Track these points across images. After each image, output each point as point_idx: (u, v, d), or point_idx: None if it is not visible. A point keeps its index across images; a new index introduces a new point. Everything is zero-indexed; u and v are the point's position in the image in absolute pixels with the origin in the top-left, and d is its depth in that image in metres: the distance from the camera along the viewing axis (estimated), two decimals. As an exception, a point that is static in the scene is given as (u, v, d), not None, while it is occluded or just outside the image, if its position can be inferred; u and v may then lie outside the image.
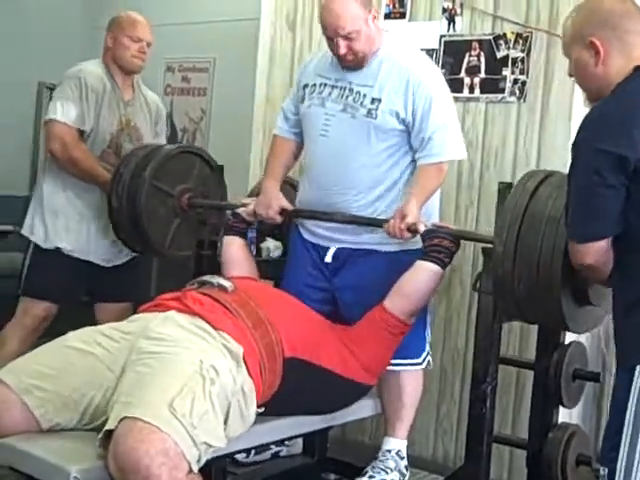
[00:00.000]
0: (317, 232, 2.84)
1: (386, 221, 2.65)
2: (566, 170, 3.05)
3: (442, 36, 3.41)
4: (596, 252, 1.86)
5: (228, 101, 5.00)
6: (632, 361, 1.82)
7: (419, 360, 2.79)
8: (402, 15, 3.51)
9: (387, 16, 3.48)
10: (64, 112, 3.28)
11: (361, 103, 2.71)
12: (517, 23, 3.24)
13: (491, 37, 3.30)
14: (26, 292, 3.41)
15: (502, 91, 3.27)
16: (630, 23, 1.93)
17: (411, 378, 2.78)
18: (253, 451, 2.80)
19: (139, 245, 3.29)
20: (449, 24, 3.40)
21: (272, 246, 3.25)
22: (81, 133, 3.34)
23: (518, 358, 3.14)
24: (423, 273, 2.60)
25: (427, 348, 2.82)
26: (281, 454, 2.89)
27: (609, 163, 1.78)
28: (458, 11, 3.38)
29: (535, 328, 2.83)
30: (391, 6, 3.52)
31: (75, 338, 2.22)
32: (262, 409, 2.22)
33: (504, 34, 3.27)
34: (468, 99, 3.35)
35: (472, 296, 3.17)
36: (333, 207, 2.77)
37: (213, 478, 2.24)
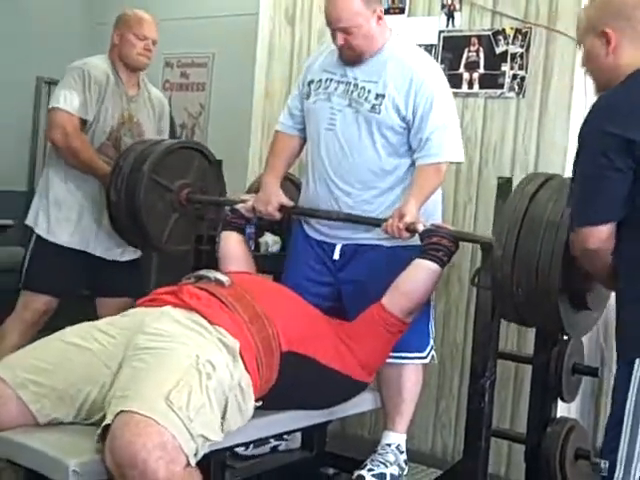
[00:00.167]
0: (321, 230, 2.86)
1: (384, 220, 2.66)
2: (565, 167, 3.11)
3: (441, 31, 3.41)
4: (599, 237, 1.85)
5: (227, 96, 5.00)
6: (633, 354, 1.83)
7: (424, 354, 2.80)
8: (401, 10, 3.52)
9: (386, 11, 3.42)
10: (67, 101, 3.29)
11: (365, 98, 2.74)
12: (516, 18, 3.24)
13: (490, 32, 3.30)
14: (26, 286, 3.42)
15: (501, 87, 3.28)
16: None
17: (411, 373, 2.79)
18: (252, 444, 2.80)
19: (136, 239, 3.29)
20: (448, 19, 3.40)
21: (271, 241, 3.26)
22: (83, 123, 3.34)
23: (516, 353, 3.14)
24: (421, 271, 2.59)
25: (431, 342, 2.83)
26: (280, 448, 2.89)
27: (616, 146, 1.79)
28: (457, 6, 3.38)
29: (533, 323, 2.84)
30: (390, 1, 3.52)
31: (72, 333, 2.21)
32: (260, 403, 2.22)
33: (503, 29, 3.28)
34: (467, 95, 3.35)
35: (470, 291, 3.18)
36: (337, 201, 2.79)
37: (212, 472, 2.24)
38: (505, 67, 3.27)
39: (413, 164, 2.76)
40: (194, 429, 1.90)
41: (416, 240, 2.65)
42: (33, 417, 2.06)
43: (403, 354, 2.71)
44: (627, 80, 1.89)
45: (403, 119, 2.72)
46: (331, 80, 2.81)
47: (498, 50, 3.28)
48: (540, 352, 2.75)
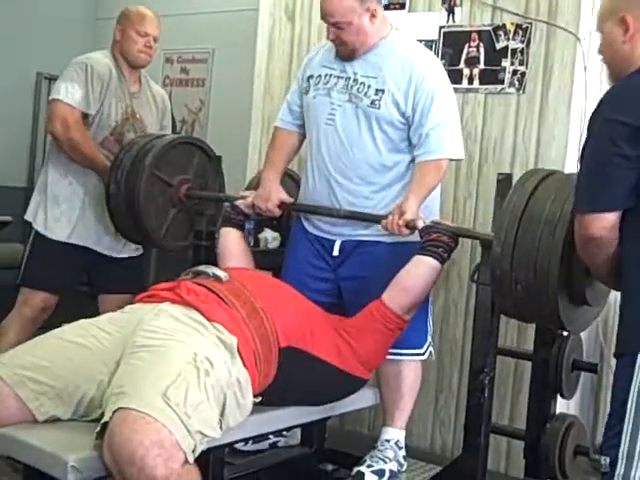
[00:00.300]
0: (320, 226, 2.86)
1: (384, 217, 2.65)
2: (565, 163, 3.11)
3: (441, 27, 3.40)
4: (603, 225, 1.83)
5: (227, 92, 5.00)
6: (635, 347, 1.82)
7: (421, 350, 2.80)
8: (402, 6, 3.51)
9: (386, 7, 3.44)
10: (69, 93, 3.27)
11: (365, 93, 2.73)
12: (517, 14, 3.24)
13: (490, 28, 3.30)
14: (25, 282, 3.42)
15: (501, 82, 3.27)
16: None
17: (410, 369, 2.79)
18: (251, 440, 2.80)
19: (134, 234, 3.25)
20: (448, 15, 3.40)
21: (270, 237, 3.26)
22: (84, 117, 3.33)
23: (516, 349, 3.14)
24: (422, 267, 2.59)
25: (429, 339, 2.83)
26: (279, 444, 2.89)
27: (626, 134, 1.78)
28: (457, 2, 3.37)
29: (533, 319, 2.84)
30: (390, -3, 3.51)
31: (70, 331, 2.21)
32: (259, 399, 2.22)
33: (503, 25, 3.27)
34: (467, 90, 3.34)
35: (470, 287, 3.17)
36: (336, 197, 2.78)
37: (211, 468, 2.24)
38: (505, 63, 3.26)
39: (413, 160, 2.75)
40: (191, 425, 1.89)
41: (416, 236, 2.65)
42: (31, 414, 2.05)
43: (401, 351, 2.71)
44: None
45: (403, 115, 2.71)
46: (331, 75, 2.81)
47: (498, 46, 3.27)
48: (540, 348, 2.75)
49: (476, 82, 3.34)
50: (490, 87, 3.30)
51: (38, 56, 5.32)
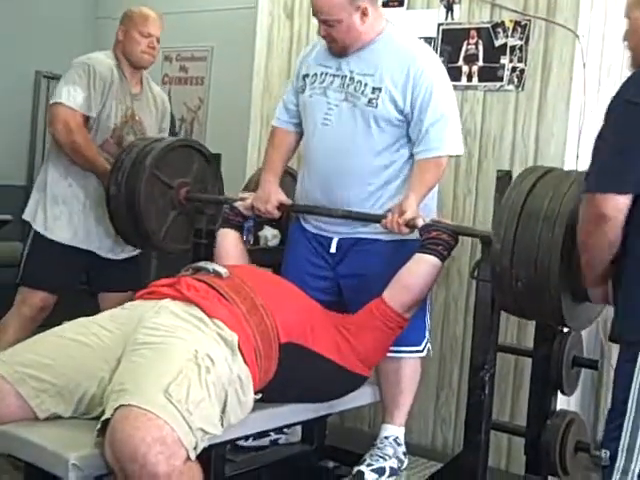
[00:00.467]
0: (318, 224, 2.85)
1: (384, 216, 2.65)
2: (564, 160, 3.11)
3: (440, 24, 3.40)
4: (614, 205, 1.81)
5: (226, 90, 5.01)
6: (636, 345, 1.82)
7: (420, 348, 2.80)
8: (400, 3, 3.51)
9: (385, 4, 3.45)
10: (70, 96, 3.27)
11: (362, 92, 2.71)
12: (515, 11, 3.23)
13: (489, 25, 3.29)
14: (24, 281, 3.42)
15: (500, 79, 3.27)
16: None
17: (409, 366, 2.79)
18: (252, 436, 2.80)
19: (134, 236, 3.23)
20: (447, 12, 3.39)
21: (270, 234, 3.26)
22: (86, 120, 3.33)
23: (516, 346, 3.14)
24: (422, 265, 2.59)
25: (427, 336, 2.83)
26: (280, 442, 2.89)
27: None
28: (456, -1, 3.37)
29: (533, 316, 2.84)
30: (389, -6, 3.51)
31: (70, 329, 2.21)
32: (260, 395, 2.23)
33: (502, 22, 3.26)
34: (466, 87, 3.34)
35: (470, 284, 3.17)
36: (332, 196, 2.77)
37: (212, 465, 2.24)
38: (504, 60, 3.26)
39: (410, 158, 2.75)
40: (193, 422, 1.89)
41: (414, 234, 2.64)
42: (32, 412, 2.06)
43: (400, 348, 2.70)
44: None
45: (401, 112, 2.69)
46: (326, 74, 2.79)
47: (497, 43, 3.27)
48: (540, 345, 2.75)
49: (475, 79, 3.33)
50: (489, 84, 3.30)
51: (38, 55, 5.32)
